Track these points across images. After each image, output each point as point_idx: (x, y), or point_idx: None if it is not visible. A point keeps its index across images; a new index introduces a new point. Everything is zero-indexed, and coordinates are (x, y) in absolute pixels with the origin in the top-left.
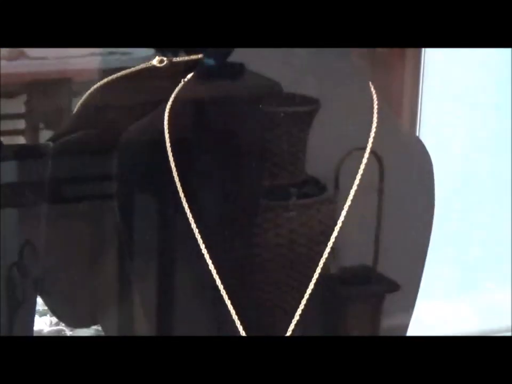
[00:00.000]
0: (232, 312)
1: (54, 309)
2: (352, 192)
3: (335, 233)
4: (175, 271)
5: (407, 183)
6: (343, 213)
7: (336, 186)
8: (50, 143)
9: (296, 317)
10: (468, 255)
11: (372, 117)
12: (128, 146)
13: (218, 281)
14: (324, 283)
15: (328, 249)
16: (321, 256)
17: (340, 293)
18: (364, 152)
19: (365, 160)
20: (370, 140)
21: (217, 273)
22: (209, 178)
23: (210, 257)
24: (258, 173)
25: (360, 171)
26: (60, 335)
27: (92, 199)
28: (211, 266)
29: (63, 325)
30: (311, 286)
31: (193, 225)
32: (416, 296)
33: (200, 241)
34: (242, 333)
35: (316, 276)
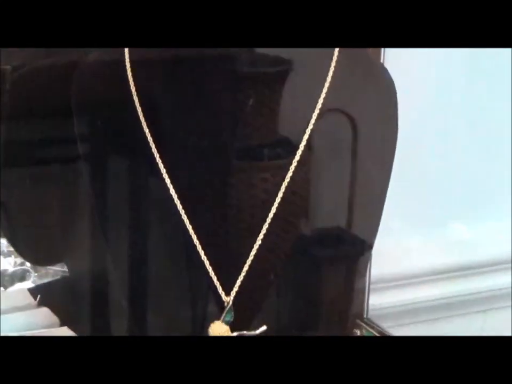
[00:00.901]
0: (210, 272)
1: (18, 249)
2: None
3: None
4: (149, 231)
5: (377, 137)
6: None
7: (309, 147)
8: None
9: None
10: (436, 192)
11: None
12: (91, 103)
13: (195, 241)
14: (298, 245)
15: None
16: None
17: (314, 255)
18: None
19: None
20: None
21: (194, 233)
22: (181, 138)
23: (186, 217)
24: (230, 133)
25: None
26: (25, 275)
27: (59, 161)
28: (188, 226)
29: (28, 265)
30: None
31: (169, 186)
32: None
33: (176, 201)
34: (221, 294)
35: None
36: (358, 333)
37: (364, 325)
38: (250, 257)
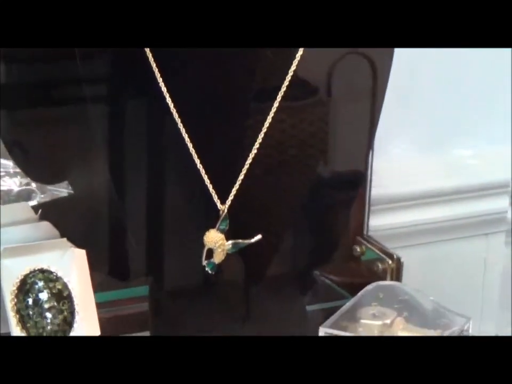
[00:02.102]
0: (206, 180)
1: (24, 168)
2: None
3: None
4: (162, 172)
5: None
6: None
7: (328, 89)
8: None
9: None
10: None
11: None
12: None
13: (190, 150)
14: (314, 187)
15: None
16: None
17: (330, 197)
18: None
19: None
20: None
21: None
22: (198, 79)
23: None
24: (249, 74)
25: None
26: (31, 196)
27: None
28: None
29: (34, 185)
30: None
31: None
32: None
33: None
34: (217, 202)
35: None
36: (358, 249)
37: (364, 242)
38: (246, 166)
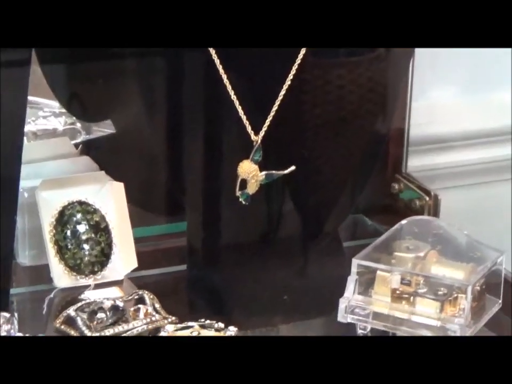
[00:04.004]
0: (239, 111)
1: (68, 106)
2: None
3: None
4: (196, 105)
5: None
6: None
7: None
8: None
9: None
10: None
11: None
12: None
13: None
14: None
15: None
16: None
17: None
18: None
19: None
20: None
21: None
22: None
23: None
24: None
25: None
26: (75, 135)
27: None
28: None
29: (78, 125)
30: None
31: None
32: None
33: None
34: (250, 133)
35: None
36: (396, 187)
37: (402, 179)
38: (280, 97)
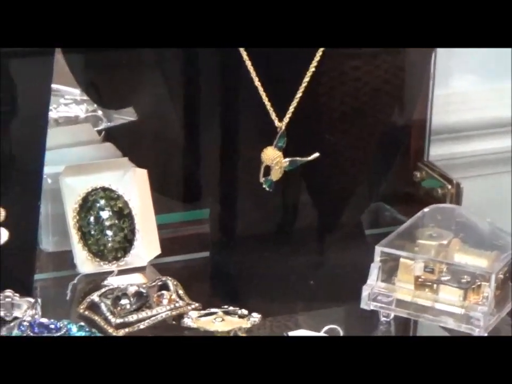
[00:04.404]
0: (263, 98)
1: (91, 94)
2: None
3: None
4: (220, 90)
5: None
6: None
7: None
8: None
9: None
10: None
11: None
12: None
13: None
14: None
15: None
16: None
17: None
18: None
19: None
20: None
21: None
22: None
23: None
24: None
25: None
26: (97, 123)
27: None
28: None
29: (100, 113)
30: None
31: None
32: None
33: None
34: (274, 120)
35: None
36: (418, 175)
37: (424, 167)
38: (304, 84)
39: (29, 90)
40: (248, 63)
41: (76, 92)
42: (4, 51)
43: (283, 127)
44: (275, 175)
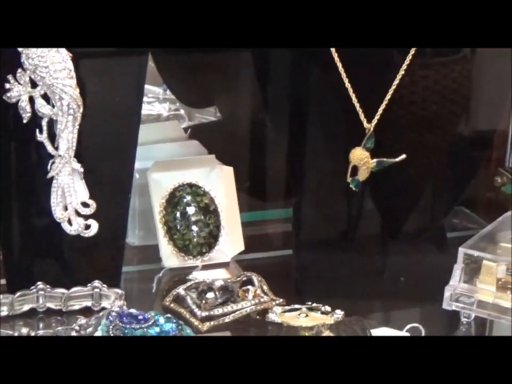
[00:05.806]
0: (353, 99)
1: (176, 92)
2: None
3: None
4: (309, 91)
5: None
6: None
7: None
8: None
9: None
10: None
11: None
12: None
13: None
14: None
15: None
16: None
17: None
18: None
19: None
20: None
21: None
22: None
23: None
24: None
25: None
26: (179, 121)
27: None
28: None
29: (182, 112)
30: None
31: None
32: None
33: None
34: (363, 121)
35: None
36: (499, 180)
37: (506, 173)
38: (393, 86)
39: (124, 88)
40: (339, 65)
41: (159, 91)
42: (106, 51)
43: (372, 128)
44: (362, 175)
